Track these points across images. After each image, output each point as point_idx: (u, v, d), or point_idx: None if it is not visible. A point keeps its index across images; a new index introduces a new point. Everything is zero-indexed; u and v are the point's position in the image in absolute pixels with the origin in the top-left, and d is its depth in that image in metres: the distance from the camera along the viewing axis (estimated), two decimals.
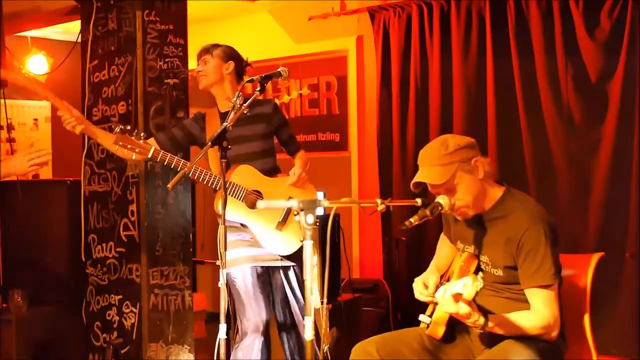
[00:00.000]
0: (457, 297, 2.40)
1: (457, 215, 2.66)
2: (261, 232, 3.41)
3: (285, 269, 3.53)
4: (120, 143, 3.30)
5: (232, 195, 3.40)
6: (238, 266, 3.47)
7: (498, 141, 4.21)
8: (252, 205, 3.40)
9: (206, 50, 3.58)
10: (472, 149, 2.63)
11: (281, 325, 3.64)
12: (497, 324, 2.49)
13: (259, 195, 3.44)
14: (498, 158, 4.16)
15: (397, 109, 4.72)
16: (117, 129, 3.29)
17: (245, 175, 3.44)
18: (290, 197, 3.42)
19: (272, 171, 3.53)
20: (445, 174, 2.58)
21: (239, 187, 3.41)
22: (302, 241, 2.22)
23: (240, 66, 3.62)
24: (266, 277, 3.53)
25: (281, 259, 3.47)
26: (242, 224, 3.44)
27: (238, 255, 3.48)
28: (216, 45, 3.60)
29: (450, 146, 2.60)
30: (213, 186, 3.39)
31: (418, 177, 2.63)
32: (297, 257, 3.48)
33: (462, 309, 2.41)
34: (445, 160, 2.58)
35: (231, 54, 3.60)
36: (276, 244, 3.44)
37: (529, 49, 4.09)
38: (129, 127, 3.30)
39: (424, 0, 4.52)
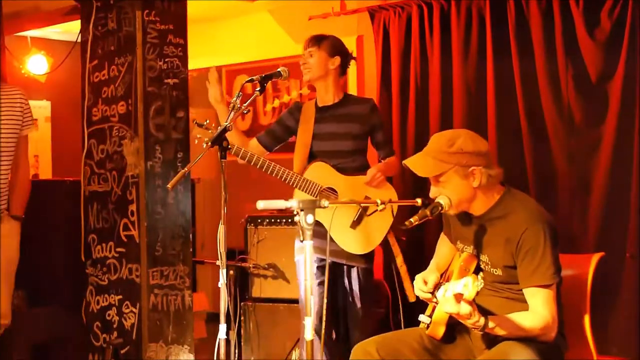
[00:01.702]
0: (459, 297, 2.39)
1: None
2: (335, 230, 3.39)
3: (349, 268, 3.51)
4: (198, 136, 3.36)
5: (306, 192, 3.42)
6: (301, 257, 3.48)
7: (498, 141, 4.20)
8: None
9: (313, 42, 3.55)
10: (477, 157, 2.58)
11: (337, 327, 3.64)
12: (497, 325, 2.49)
13: (333, 192, 3.44)
14: (498, 158, 4.16)
15: (397, 109, 4.71)
16: (195, 122, 3.35)
17: (320, 172, 3.45)
18: (366, 197, 3.43)
19: (360, 169, 3.52)
20: (435, 169, 2.58)
21: (314, 183, 3.42)
22: (302, 241, 2.22)
23: (346, 61, 3.60)
24: (329, 274, 3.51)
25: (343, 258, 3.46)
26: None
27: (301, 245, 3.51)
28: (323, 38, 3.57)
29: (455, 146, 2.58)
30: (290, 183, 3.41)
31: (409, 162, 2.64)
32: (363, 257, 3.48)
33: (464, 309, 2.39)
34: (442, 156, 2.58)
35: (338, 48, 3.57)
36: (351, 242, 3.42)
37: (529, 49, 4.09)
38: (207, 121, 3.33)
39: (424, 0, 4.52)
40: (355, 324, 3.57)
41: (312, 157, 3.56)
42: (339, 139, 3.51)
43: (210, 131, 3.37)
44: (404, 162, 2.67)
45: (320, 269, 3.50)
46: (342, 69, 3.61)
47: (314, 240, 3.43)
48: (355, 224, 3.41)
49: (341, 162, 3.49)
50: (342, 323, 3.64)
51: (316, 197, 3.41)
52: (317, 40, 3.55)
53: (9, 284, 3.80)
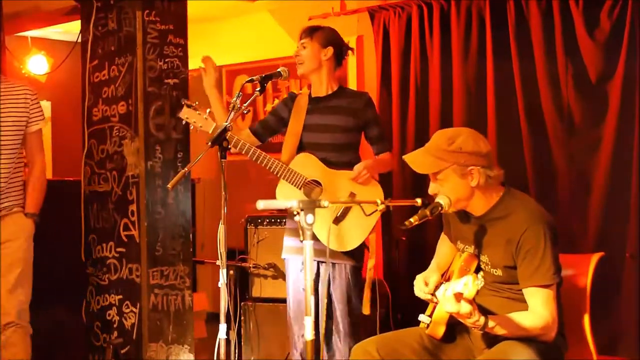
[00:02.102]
0: (459, 296, 2.39)
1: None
2: (318, 225, 3.29)
3: (332, 266, 3.43)
4: (186, 117, 3.34)
5: (290, 183, 3.37)
6: (290, 257, 3.47)
7: (498, 141, 4.21)
8: (310, 195, 3.34)
9: (306, 34, 3.48)
10: (477, 158, 2.58)
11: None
12: (497, 324, 2.49)
13: (318, 185, 3.37)
14: (498, 158, 4.15)
15: (397, 109, 4.71)
16: (184, 103, 3.34)
17: (306, 163, 3.39)
18: (351, 193, 3.36)
19: (350, 164, 3.43)
20: (433, 167, 2.59)
21: (299, 175, 3.38)
22: (301, 241, 2.21)
23: (340, 51, 3.52)
24: (314, 274, 3.44)
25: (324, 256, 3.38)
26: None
27: (288, 245, 3.49)
28: (316, 29, 3.51)
29: (454, 145, 2.58)
30: (275, 173, 3.37)
31: (408, 156, 2.65)
32: (353, 255, 3.39)
33: (464, 308, 2.39)
34: (440, 154, 2.58)
35: (331, 39, 3.49)
36: (333, 239, 3.34)
37: (529, 49, 4.09)
38: (196, 103, 3.34)
39: (424, 0, 4.52)
40: (338, 325, 3.44)
41: (302, 148, 3.50)
42: (328, 131, 3.45)
43: (198, 112, 3.35)
44: (403, 156, 2.68)
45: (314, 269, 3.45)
46: (337, 60, 3.52)
47: (297, 240, 3.43)
48: (338, 220, 3.35)
49: (330, 156, 3.43)
50: (329, 319, 3.55)
51: (300, 188, 3.36)
52: (310, 32, 3.49)
53: (20, 285, 3.67)
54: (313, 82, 3.55)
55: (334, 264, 3.44)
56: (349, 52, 3.59)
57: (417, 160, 2.64)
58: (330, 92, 3.53)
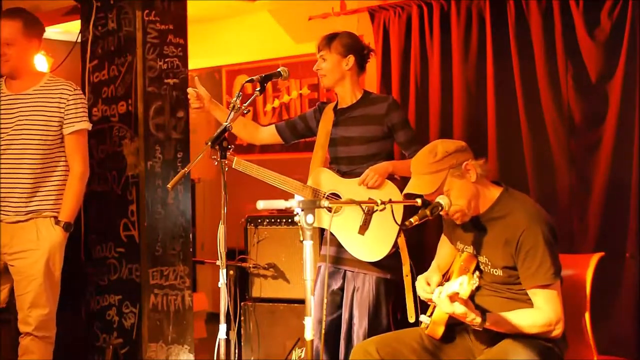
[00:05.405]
0: (452, 297, 2.43)
1: (454, 219, 2.68)
2: (344, 237, 3.27)
3: (356, 275, 3.35)
4: (213, 157, 3.27)
5: None
6: (320, 263, 3.41)
7: (498, 141, 4.20)
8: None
9: (324, 45, 3.38)
10: (463, 153, 2.63)
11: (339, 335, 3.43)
12: (494, 322, 2.51)
13: (337, 198, 3.30)
14: (498, 158, 4.16)
15: None
16: (209, 142, 3.07)
17: (321, 178, 3.35)
18: (370, 199, 3.30)
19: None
20: (435, 182, 2.60)
21: (317, 191, 3.33)
22: (301, 241, 2.21)
23: (362, 57, 3.42)
24: (341, 281, 3.39)
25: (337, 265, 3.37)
26: (324, 229, 3.33)
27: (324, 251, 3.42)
28: (334, 37, 3.39)
29: (439, 153, 2.61)
30: (294, 193, 3.28)
31: (408, 188, 2.66)
32: (379, 265, 3.29)
33: (458, 309, 2.44)
34: (433, 168, 2.60)
35: (350, 46, 3.38)
36: (361, 249, 3.27)
37: (529, 49, 4.09)
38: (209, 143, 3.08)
39: (424, 0, 4.52)
40: (353, 334, 3.37)
41: (330, 162, 3.46)
42: (353, 144, 3.36)
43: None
44: (403, 193, 2.68)
45: (333, 275, 3.39)
46: (360, 67, 3.42)
47: (324, 248, 3.41)
48: (363, 229, 3.29)
49: (357, 168, 3.34)
50: (345, 330, 3.41)
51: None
52: (328, 42, 3.38)
53: (40, 299, 3.54)
54: (338, 93, 3.47)
55: (358, 273, 3.35)
56: (371, 54, 3.49)
57: (416, 185, 2.64)
58: (354, 101, 3.43)
